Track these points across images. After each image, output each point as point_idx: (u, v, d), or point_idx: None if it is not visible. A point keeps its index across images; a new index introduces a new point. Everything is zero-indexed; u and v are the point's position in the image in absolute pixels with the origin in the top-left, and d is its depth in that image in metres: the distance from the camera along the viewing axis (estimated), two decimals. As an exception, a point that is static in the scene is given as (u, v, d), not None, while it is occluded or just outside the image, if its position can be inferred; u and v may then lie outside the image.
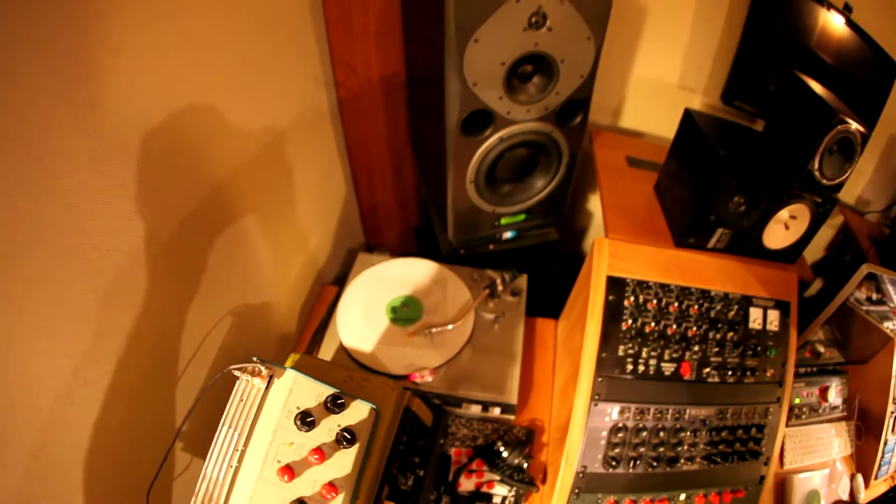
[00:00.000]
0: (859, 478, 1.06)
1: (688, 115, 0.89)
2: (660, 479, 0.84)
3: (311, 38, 0.97)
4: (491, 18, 0.77)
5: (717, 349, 0.86)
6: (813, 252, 1.49)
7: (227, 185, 0.75)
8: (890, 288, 1.06)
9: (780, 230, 0.91)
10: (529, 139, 0.93)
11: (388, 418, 0.57)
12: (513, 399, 0.88)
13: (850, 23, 1.03)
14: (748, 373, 0.88)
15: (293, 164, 0.96)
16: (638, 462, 0.81)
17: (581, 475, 0.80)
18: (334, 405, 0.51)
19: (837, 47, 1.05)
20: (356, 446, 0.50)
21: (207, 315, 0.73)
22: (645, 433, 0.82)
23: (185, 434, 0.59)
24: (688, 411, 0.85)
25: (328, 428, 0.50)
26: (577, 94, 0.90)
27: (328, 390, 0.52)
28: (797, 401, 1.07)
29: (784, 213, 0.88)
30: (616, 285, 0.83)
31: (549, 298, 1.10)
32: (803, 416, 1.07)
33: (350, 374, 0.59)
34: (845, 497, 1.06)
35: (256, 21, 0.79)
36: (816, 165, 0.82)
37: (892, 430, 1.10)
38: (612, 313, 0.82)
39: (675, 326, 0.85)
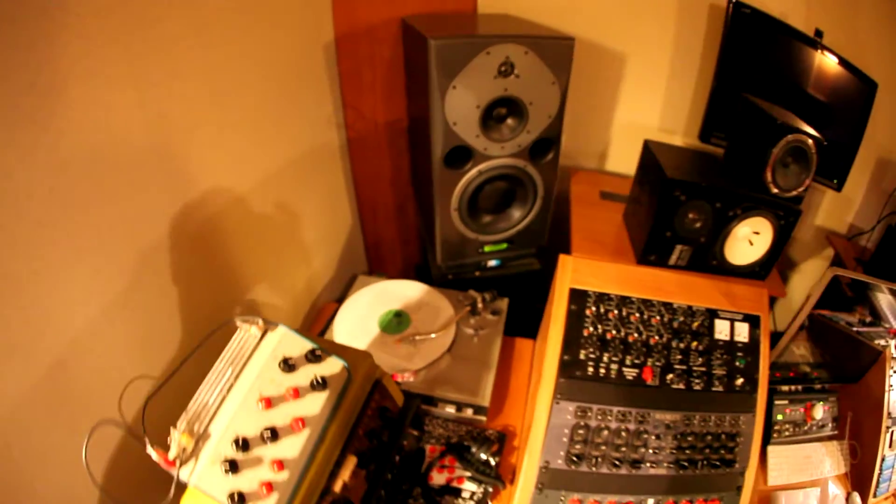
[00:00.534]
0: (856, 497, 1.07)
1: (646, 145, 1.03)
2: (625, 480, 0.88)
3: (326, 87, 1.19)
4: (466, 68, 0.95)
5: (680, 357, 0.93)
6: (804, 284, 1.55)
7: (246, 199, 0.92)
8: (884, 306, 1.11)
9: (744, 246, 1.01)
10: (505, 173, 1.09)
11: (359, 381, 0.69)
12: (485, 402, 0.97)
13: (823, 47, 1.17)
14: (716, 381, 0.93)
15: (304, 188, 1.14)
16: (601, 461, 0.87)
17: (544, 470, 0.86)
18: (313, 357, 0.63)
19: (812, 74, 1.20)
20: (327, 392, 0.62)
21: (219, 311, 0.88)
22: (607, 433, 0.88)
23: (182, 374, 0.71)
24: (652, 415, 0.91)
25: (306, 374, 0.62)
26: (546, 132, 1.06)
27: (310, 345, 0.64)
28: (779, 417, 1.11)
29: (744, 229, 0.99)
30: (578, 296, 0.94)
31: (531, 325, 1.21)
32: (786, 433, 1.11)
33: (332, 343, 0.71)
34: None
35: (283, 71, 1.01)
36: (770, 177, 0.93)
37: (891, 446, 1.11)
38: (574, 321, 0.92)
39: (636, 335, 0.93)
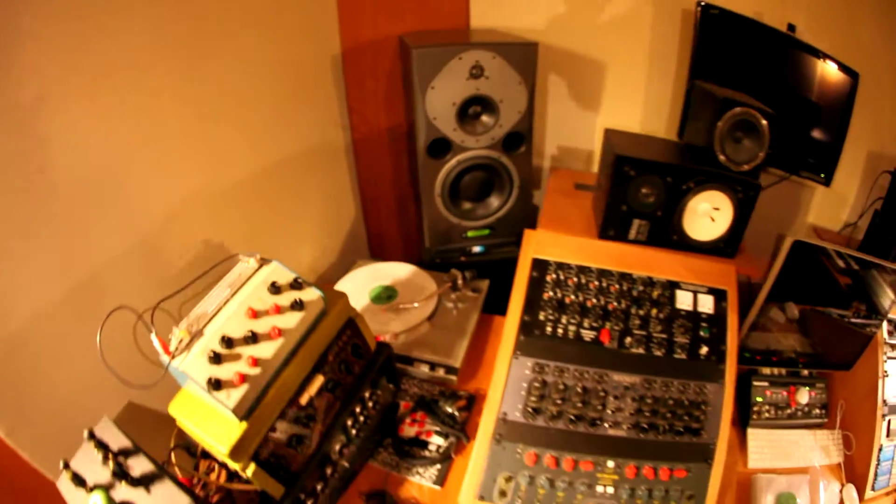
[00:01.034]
0: (851, 489, 1.07)
1: (606, 133, 1.16)
2: (583, 439, 0.93)
3: (333, 94, 1.40)
4: (442, 71, 1.13)
5: (640, 323, 1.01)
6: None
7: (261, 180, 1.12)
8: (880, 291, 1.15)
9: (705, 221, 1.10)
10: (481, 163, 1.24)
11: (334, 312, 0.82)
12: (457, 363, 1.09)
13: (796, 41, 1.28)
14: (678, 349, 1.00)
15: (312, 179, 1.34)
16: (558, 416, 0.95)
17: (502, 421, 0.94)
18: (296, 284, 0.78)
19: (788, 68, 1.31)
20: (304, 313, 0.76)
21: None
22: (564, 390, 0.97)
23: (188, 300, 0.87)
24: (610, 376, 0.98)
25: (288, 297, 0.76)
26: (517, 126, 1.22)
27: (295, 275, 0.80)
28: (758, 398, 1.14)
29: (703, 204, 1.08)
30: (540, 265, 1.05)
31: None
32: (766, 415, 1.13)
33: (315, 283, 0.87)
34: None
35: (296, 78, 1.22)
36: (718, 148, 1.03)
37: (888, 436, 1.11)
38: (535, 286, 1.03)
39: (594, 300, 1.03)
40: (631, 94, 1.51)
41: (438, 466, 1.00)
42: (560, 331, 1.02)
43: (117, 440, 0.68)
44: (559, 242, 1.08)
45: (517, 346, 1.00)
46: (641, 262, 1.07)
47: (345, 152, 1.49)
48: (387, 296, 1.23)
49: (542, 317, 1.02)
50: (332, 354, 0.83)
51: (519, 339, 1.01)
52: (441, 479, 0.98)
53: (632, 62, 1.48)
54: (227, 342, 0.69)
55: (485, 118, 1.22)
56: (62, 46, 0.74)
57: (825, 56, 1.30)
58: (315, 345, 0.80)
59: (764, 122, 1.02)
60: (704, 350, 1.01)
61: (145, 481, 0.66)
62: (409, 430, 1.04)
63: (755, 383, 1.15)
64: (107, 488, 0.65)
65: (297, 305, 0.76)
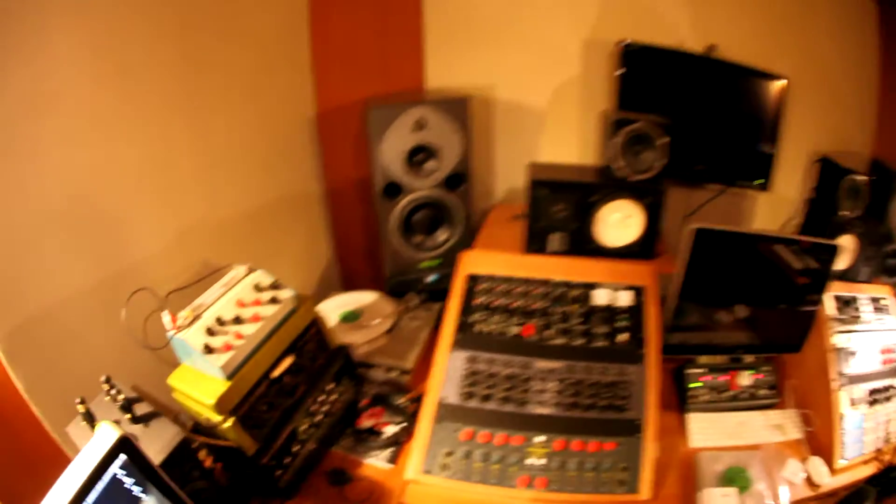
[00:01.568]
0: (816, 460, 1.34)
1: (529, 165, 1.58)
2: (513, 417, 1.26)
3: (309, 148, 1.88)
4: (392, 125, 1.60)
5: (559, 318, 1.39)
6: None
7: (251, 216, 1.56)
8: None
9: (620, 229, 1.51)
10: (429, 201, 1.69)
11: (303, 311, 1.22)
12: (409, 365, 1.47)
13: (717, 60, 1.77)
14: (598, 337, 1.37)
15: (287, 224, 1.78)
16: (490, 399, 1.30)
17: (442, 404, 1.28)
18: (275, 285, 1.19)
19: (714, 85, 1.80)
20: (279, 306, 1.16)
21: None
22: (494, 376, 1.33)
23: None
24: (534, 363, 1.33)
25: (268, 294, 1.16)
26: (457, 168, 1.67)
27: (274, 279, 1.21)
28: (693, 385, 1.47)
29: (614, 214, 1.49)
30: (473, 278, 1.45)
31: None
32: (703, 399, 1.46)
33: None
34: (797, 481, 1.31)
35: (278, 134, 1.70)
36: (618, 163, 1.45)
37: (853, 405, 1.39)
38: (469, 294, 1.43)
39: (518, 303, 1.41)
40: (567, 133, 1.99)
41: (392, 449, 1.35)
42: (489, 328, 1.40)
43: (126, 392, 1.07)
44: (490, 259, 1.50)
45: (454, 342, 1.39)
46: (562, 269, 1.47)
47: (319, 200, 1.96)
48: (353, 316, 1.63)
49: (474, 318, 1.41)
50: (300, 343, 1.23)
51: (455, 336, 1.39)
52: (393, 459, 1.33)
53: (567, 104, 1.98)
54: (220, 321, 1.09)
55: (429, 163, 1.68)
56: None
57: (749, 69, 1.81)
58: (286, 333, 1.19)
59: (656, 135, 1.46)
60: (624, 337, 1.38)
61: (145, 419, 1.04)
62: (366, 422, 1.40)
63: (688, 371, 1.49)
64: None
65: (275, 301, 1.17)
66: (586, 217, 1.51)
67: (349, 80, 1.89)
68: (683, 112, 1.85)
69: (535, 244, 1.53)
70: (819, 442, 1.42)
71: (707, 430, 1.44)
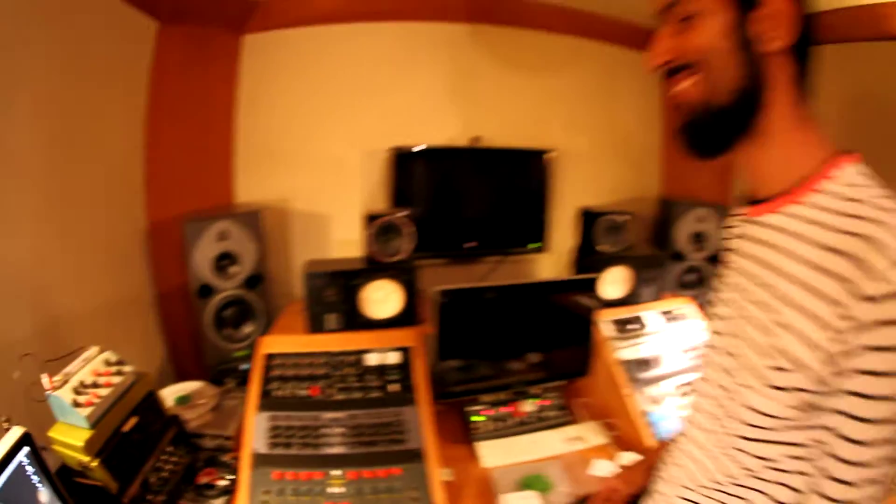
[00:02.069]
0: (627, 454, 2.38)
1: (305, 263, 2.83)
2: (312, 459, 2.18)
3: (141, 257, 2.94)
4: (202, 236, 2.74)
5: (339, 378, 2.51)
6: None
7: (90, 315, 2.60)
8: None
9: (384, 304, 2.71)
10: (234, 299, 2.84)
11: (142, 383, 2.24)
12: (230, 433, 2.50)
13: (481, 149, 3.27)
14: (374, 390, 2.46)
15: (129, 325, 2.82)
16: (291, 446, 2.32)
17: (254, 454, 2.26)
18: (120, 362, 2.21)
19: (483, 172, 3.36)
20: (123, 377, 2.20)
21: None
22: (292, 428, 2.39)
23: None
24: (322, 415, 2.40)
25: (116, 368, 2.16)
26: (255, 270, 2.86)
27: (119, 357, 2.27)
28: (475, 419, 2.62)
29: (374, 292, 2.68)
30: (269, 357, 2.55)
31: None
32: (487, 429, 2.61)
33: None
34: (607, 474, 2.23)
35: (114, 242, 2.77)
36: (375, 250, 2.67)
37: (654, 402, 2.55)
38: (266, 369, 2.52)
39: (306, 371, 2.54)
40: (353, 232, 3.05)
41: (225, 497, 2.28)
42: (284, 393, 2.49)
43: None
44: (282, 341, 2.64)
45: (258, 406, 2.46)
46: (339, 342, 2.62)
47: (152, 303, 2.99)
48: (185, 399, 2.63)
49: (272, 386, 2.50)
50: (141, 407, 2.29)
51: (259, 402, 2.48)
52: None
53: (351, 207, 3.26)
54: (83, 384, 2.09)
55: (232, 267, 2.85)
56: None
57: (515, 150, 3.39)
58: (131, 398, 2.21)
59: (401, 224, 2.75)
60: (395, 387, 2.46)
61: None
62: (203, 479, 2.35)
63: (468, 409, 2.69)
64: None
65: (120, 373, 2.24)
66: (354, 297, 2.71)
67: (174, 197, 3.01)
68: (455, 198, 3.37)
69: (315, 325, 2.71)
70: (627, 441, 2.47)
71: (497, 453, 2.49)
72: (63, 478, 1.91)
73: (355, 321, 2.76)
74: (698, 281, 3.50)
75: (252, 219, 2.90)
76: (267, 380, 2.55)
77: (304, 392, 2.53)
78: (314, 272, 2.72)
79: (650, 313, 2.88)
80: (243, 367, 2.91)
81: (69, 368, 2.12)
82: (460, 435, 2.67)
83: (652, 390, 2.61)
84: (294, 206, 3.34)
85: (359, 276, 2.74)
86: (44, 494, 1.65)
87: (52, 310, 2.41)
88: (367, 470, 2.18)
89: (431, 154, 3.29)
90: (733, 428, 1.32)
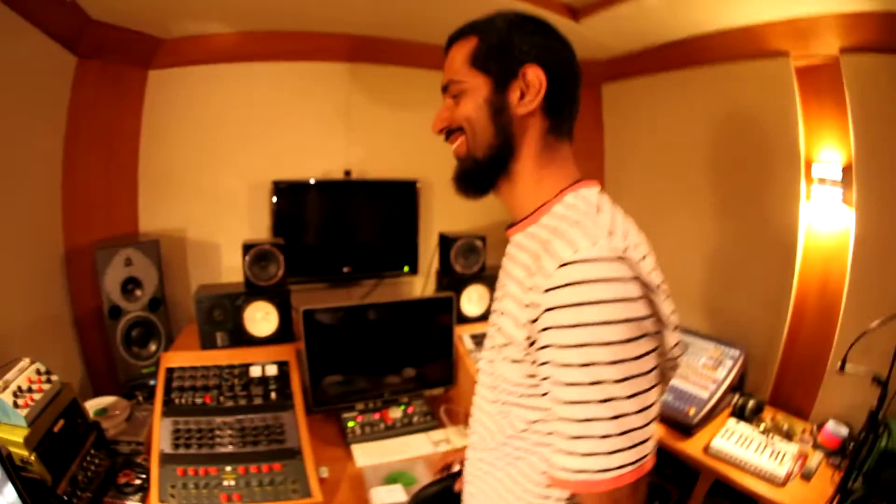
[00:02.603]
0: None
1: (197, 287, 4.35)
2: (208, 456, 3.46)
3: (62, 282, 4.40)
4: (111, 262, 4.22)
5: (228, 388, 3.98)
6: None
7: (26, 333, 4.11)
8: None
9: (264, 324, 4.26)
10: (140, 320, 4.35)
11: (66, 392, 3.71)
12: (141, 439, 3.95)
13: (353, 182, 4.98)
14: (256, 397, 3.90)
15: (53, 346, 4.27)
16: (191, 446, 3.67)
17: (161, 454, 3.57)
18: (48, 371, 3.66)
19: (355, 201, 5.17)
20: (51, 385, 3.71)
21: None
22: (191, 432, 3.79)
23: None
24: (215, 419, 3.80)
25: (45, 376, 3.60)
26: (155, 294, 4.38)
27: (47, 368, 3.80)
28: (350, 424, 4.15)
29: (257, 313, 4.24)
30: (170, 370, 3.98)
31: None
32: (361, 433, 4.12)
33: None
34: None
35: (37, 266, 4.29)
36: (252, 275, 4.21)
37: None
38: (168, 380, 3.99)
39: (200, 382, 3.97)
40: (239, 260, 4.42)
41: (141, 493, 3.59)
42: (183, 401, 3.92)
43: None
44: (180, 356, 4.08)
45: (162, 413, 3.88)
46: (227, 357, 4.12)
47: (71, 324, 4.38)
48: (103, 412, 4.01)
49: (173, 395, 3.95)
50: (67, 412, 3.82)
51: (162, 409, 3.89)
52: (143, 499, 3.67)
53: (239, 235, 4.63)
54: (20, 389, 3.50)
55: (136, 291, 4.36)
56: None
57: (383, 181, 5.07)
58: (58, 404, 3.65)
59: (275, 251, 4.26)
60: (274, 395, 3.98)
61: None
62: (122, 479, 3.70)
63: (343, 415, 4.26)
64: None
65: (49, 381, 3.76)
66: (238, 317, 4.19)
67: (87, 224, 4.37)
68: (332, 226, 4.91)
69: (206, 342, 4.15)
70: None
71: (370, 453, 3.76)
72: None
73: (240, 338, 4.23)
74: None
75: (153, 247, 4.36)
76: (169, 390, 3.94)
77: (199, 400, 3.82)
78: (203, 295, 4.17)
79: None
80: (152, 382, 4.35)
81: (8, 376, 3.51)
82: (338, 438, 4.06)
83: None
84: (189, 234, 4.78)
85: (240, 298, 4.22)
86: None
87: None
88: (254, 465, 3.33)
89: (309, 187, 4.84)
90: (502, 397, 1.84)
